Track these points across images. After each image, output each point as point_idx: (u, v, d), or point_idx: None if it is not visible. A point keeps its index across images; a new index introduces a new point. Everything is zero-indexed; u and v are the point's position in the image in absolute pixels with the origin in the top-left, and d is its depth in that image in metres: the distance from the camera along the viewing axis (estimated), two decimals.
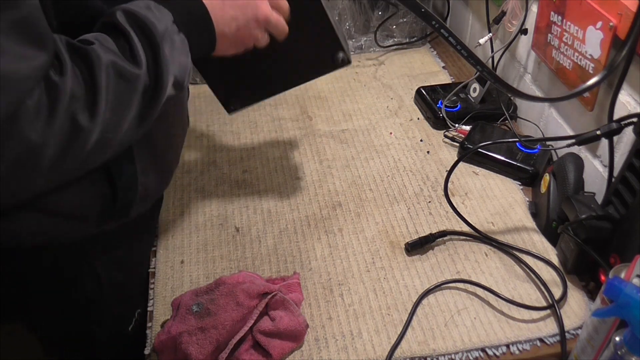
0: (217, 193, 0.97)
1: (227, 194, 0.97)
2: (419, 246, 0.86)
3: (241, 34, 0.69)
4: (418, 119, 1.15)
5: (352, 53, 1.37)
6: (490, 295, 0.79)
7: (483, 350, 0.74)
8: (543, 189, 0.91)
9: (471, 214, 0.92)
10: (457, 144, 1.05)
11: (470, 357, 0.73)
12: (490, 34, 1.12)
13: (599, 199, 0.82)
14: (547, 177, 0.90)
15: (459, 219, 0.87)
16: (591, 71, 0.85)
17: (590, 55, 0.85)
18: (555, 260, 0.84)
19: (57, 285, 0.79)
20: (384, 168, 1.02)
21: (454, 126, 1.09)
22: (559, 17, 0.92)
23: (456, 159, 0.90)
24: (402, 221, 0.92)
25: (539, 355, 0.74)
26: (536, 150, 1.00)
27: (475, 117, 1.10)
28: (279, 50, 0.74)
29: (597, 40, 0.82)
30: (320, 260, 0.85)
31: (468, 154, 0.97)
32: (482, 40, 1.11)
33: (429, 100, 1.14)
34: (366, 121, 1.14)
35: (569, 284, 0.80)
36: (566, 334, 0.74)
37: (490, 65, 1.15)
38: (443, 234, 0.88)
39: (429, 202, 0.95)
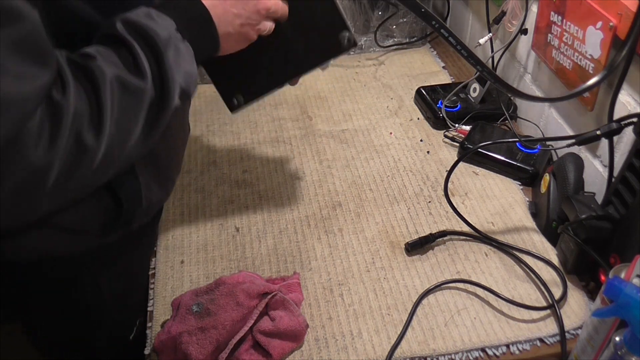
0: (217, 193, 0.97)
1: (227, 194, 0.97)
2: (419, 246, 0.86)
3: (245, 30, 0.67)
4: (418, 119, 1.15)
5: (352, 53, 1.37)
6: (490, 295, 0.79)
7: (483, 350, 0.74)
8: (543, 189, 0.91)
9: (471, 214, 0.92)
10: (457, 144, 1.05)
11: (470, 357, 0.73)
12: (490, 34, 1.12)
13: (599, 199, 0.82)
14: (547, 177, 0.90)
15: (459, 219, 0.87)
16: (591, 71, 0.85)
17: (590, 55, 0.85)
18: (555, 260, 0.84)
19: (57, 295, 0.79)
20: (384, 168, 1.02)
21: (454, 126, 1.09)
22: (559, 17, 0.92)
23: (456, 159, 0.90)
24: (402, 221, 0.92)
25: (539, 355, 0.74)
26: (536, 150, 1.00)
27: (475, 117, 1.10)
28: (281, 36, 0.72)
29: (597, 40, 0.82)
30: (320, 260, 0.85)
31: (468, 154, 0.97)
32: (482, 40, 1.11)
33: (429, 100, 1.14)
34: (366, 121, 1.14)
35: (569, 284, 0.80)
36: (566, 334, 0.74)
37: (490, 65, 1.15)
38: (443, 234, 0.88)
39: (429, 202, 0.95)
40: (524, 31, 1.05)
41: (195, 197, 0.96)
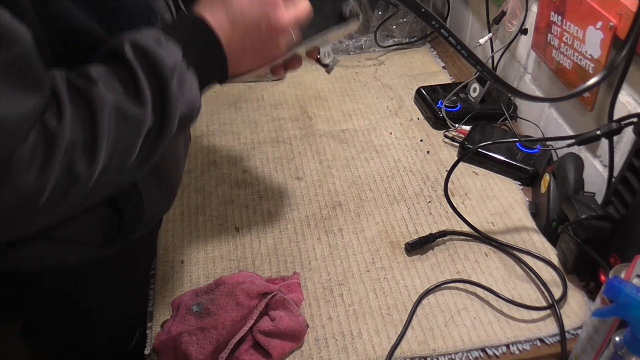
0: (217, 193, 0.97)
1: (227, 194, 0.97)
2: (419, 246, 0.86)
3: (259, 53, 0.64)
4: (418, 119, 1.15)
5: (352, 53, 1.37)
6: (490, 295, 0.79)
7: (483, 350, 0.74)
8: (543, 189, 0.91)
9: (471, 214, 0.92)
10: (457, 144, 1.05)
11: (470, 357, 0.73)
12: (490, 34, 1.12)
13: (599, 199, 0.82)
14: (547, 177, 0.90)
15: (459, 219, 0.87)
16: (591, 71, 0.85)
17: (590, 55, 0.85)
18: (555, 260, 0.84)
19: (56, 306, 0.79)
20: (384, 168, 1.02)
21: (454, 126, 1.09)
22: (559, 17, 0.92)
23: (456, 159, 0.90)
24: (402, 221, 0.92)
25: (539, 355, 0.74)
26: (536, 150, 1.00)
27: (475, 117, 1.10)
28: None
29: (597, 40, 0.82)
30: (320, 260, 0.85)
31: (468, 154, 0.97)
32: (482, 40, 1.11)
33: (429, 100, 1.14)
34: (366, 121, 1.14)
35: (569, 284, 0.80)
36: (566, 334, 0.74)
37: (490, 65, 1.15)
38: (443, 234, 0.88)
39: (429, 202, 0.95)
40: (524, 31, 1.05)
41: (195, 197, 0.96)
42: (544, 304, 0.78)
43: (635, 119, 0.74)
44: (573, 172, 0.86)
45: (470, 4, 1.32)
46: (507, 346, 0.74)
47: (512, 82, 1.15)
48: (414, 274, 0.83)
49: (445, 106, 1.10)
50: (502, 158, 0.99)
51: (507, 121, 1.09)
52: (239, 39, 0.60)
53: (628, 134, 0.80)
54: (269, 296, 0.74)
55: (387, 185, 0.98)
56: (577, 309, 0.78)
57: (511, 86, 0.84)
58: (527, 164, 0.98)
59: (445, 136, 1.08)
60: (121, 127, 0.51)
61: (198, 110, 0.59)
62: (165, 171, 0.74)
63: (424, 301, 0.79)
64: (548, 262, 0.84)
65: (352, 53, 1.37)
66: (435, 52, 1.37)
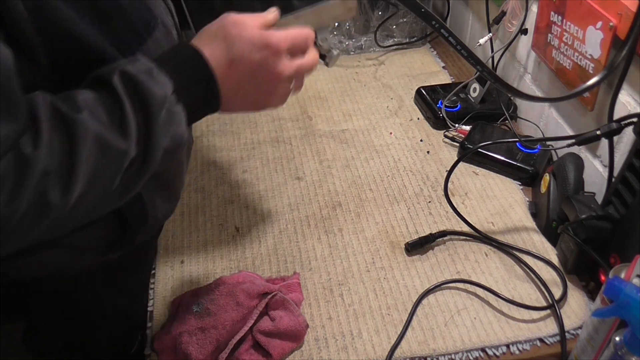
0: (217, 193, 0.97)
1: (227, 194, 0.97)
2: (419, 246, 0.86)
3: (253, 98, 0.63)
4: (418, 119, 1.15)
5: (352, 53, 1.37)
6: (490, 295, 0.79)
7: (483, 350, 0.74)
8: (543, 189, 0.91)
9: (471, 214, 0.92)
10: (457, 144, 1.05)
11: (470, 357, 0.73)
12: (490, 34, 1.12)
13: (599, 199, 0.82)
14: (547, 177, 0.90)
15: (459, 219, 0.87)
16: (591, 71, 0.85)
17: (590, 55, 0.85)
18: (555, 260, 0.84)
19: (56, 306, 0.79)
20: (384, 168, 1.02)
21: (454, 126, 1.09)
22: (559, 17, 0.92)
23: (456, 159, 0.90)
24: (402, 221, 0.92)
25: (539, 355, 0.74)
26: (536, 150, 1.00)
27: (475, 117, 1.10)
28: None
29: (597, 40, 0.82)
30: (320, 260, 0.85)
31: (468, 154, 0.97)
32: (482, 40, 1.11)
33: (429, 100, 1.14)
34: (366, 121, 1.14)
35: (569, 284, 0.80)
36: (566, 334, 0.74)
37: (490, 65, 1.15)
38: (443, 234, 0.88)
39: (429, 202, 0.95)
40: (524, 31, 1.05)
41: (195, 197, 0.96)
42: (544, 304, 0.78)
43: (635, 119, 0.74)
44: (573, 172, 0.86)
45: (470, 4, 1.32)
46: (507, 346, 0.74)
47: (512, 82, 1.15)
48: (414, 274, 0.83)
49: (445, 106, 1.10)
50: (502, 158, 0.99)
51: (507, 121, 1.09)
52: (235, 80, 0.59)
53: (628, 134, 0.80)
54: (269, 296, 0.74)
55: (387, 185, 0.98)
56: (577, 309, 0.78)
57: (511, 86, 0.84)
58: (527, 164, 0.98)
59: (445, 136, 1.08)
60: (102, 158, 0.50)
61: (185, 144, 0.58)
62: (168, 176, 0.73)
63: (424, 301, 0.79)
64: (548, 262, 0.84)
65: (352, 53, 1.37)
66: (435, 52, 1.37)
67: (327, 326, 0.76)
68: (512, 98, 1.14)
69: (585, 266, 0.80)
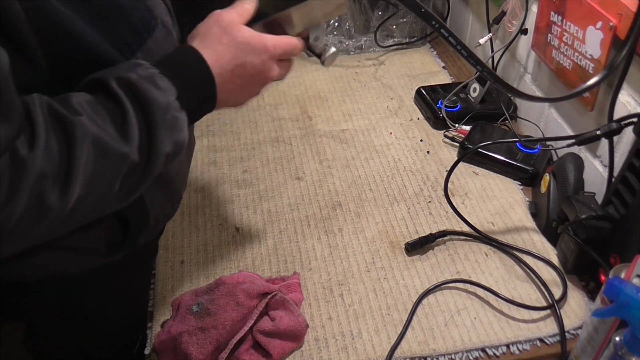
0: (217, 193, 0.97)
1: (227, 194, 0.97)
2: (419, 246, 0.86)
3: (242, 97, 0.66)
4: (418, 119, 1.15)
5: (352, 53, 1.37)
6: (490, 295, 0.79)
7: (483, 350, 0.74)
8: (543, 189, 0.91)
9: (471, 214, 0.92)
10: (457, 144, 1.05)
11: (470, 357, 0.73)
12: (490, 34, 1.12)
13: (599, 199, 0.82)
14: (547, 177, 0.90)
15: (459, 219, 0.87)
16: (591, 71, 0.85)
17: (590, 55, 0.85)
18: (555, 260, 0.84)
19: (57, 307, 0.79)
20: (384, 168, 1.02)
21: (454, 126, 1.09)
22: (559, 17, 0.92)
23: (456, 159, 0.90)
24: (402, 221, 0.92)
25: (539, 355, 0.74)
26: (536, 150, 1.00)
27: (475, 117, 1.10)
28: None
29: (597, 40, 0.82)
30: (320, 260, 0.85)
31: (468, 154, 0.97)
32: (482, 40, 1.11)
33: (429, 100, 1.14)
34: (366, 121, 1.14)
35: (569, 284, 0.80)
36: (566, 334, 0.74)
37: (490, 65, 1.15)
38: (443, 234, 0.88)
39: (429, 202, 0.95)
40: (524, 31, 1.05)
41: (195, 197, 0.96)
42: (544, 304, 0.78)
43: (635, 119, 0.74)
44: (573, 172, 0.86)
45: (470, 4, 1.32)
46: (507, 346, 0.74)
47: (512, 82, 1.15)
48: (414, 274, 0.83)
49: (445, 106, 1.10)
50: (502, 158, 0.99)
51: (507, 121, 1.09)
52: (233, 84, 0.62)
53: (628, 134, 0.80)
54: (269, 296, 0.74)
55: (387, 185, 0.98)
56: (577, 309, 0.78)
57: (511, 86, 0.84)
58: (527, 164, 0.98)
59: (445, 136, 1.08)
60: (101, 161, 0.50)
61: (185, 145, 0.59)
62: (170, 177, 0.73)
63: (424, 301, 0.79)
64: (548, 262, 0.84)
65: (352, 53, 1.37)
66: (435, 52, 1.37)
67: (327, 326, 0.76)
68: (512, 98, 1.14)
69: (585, 266, 0.80)
